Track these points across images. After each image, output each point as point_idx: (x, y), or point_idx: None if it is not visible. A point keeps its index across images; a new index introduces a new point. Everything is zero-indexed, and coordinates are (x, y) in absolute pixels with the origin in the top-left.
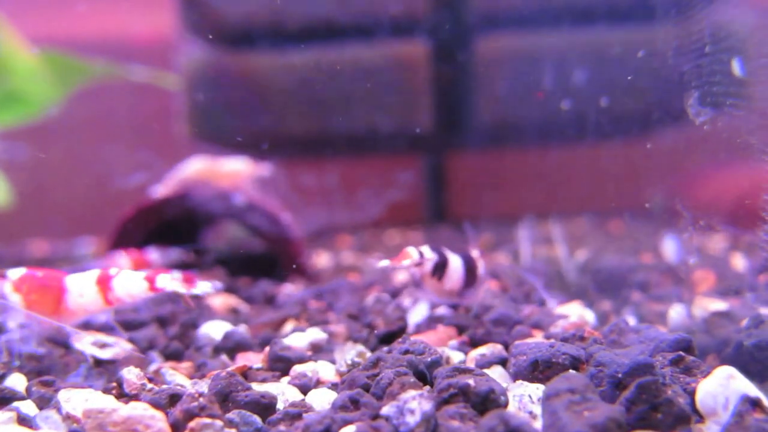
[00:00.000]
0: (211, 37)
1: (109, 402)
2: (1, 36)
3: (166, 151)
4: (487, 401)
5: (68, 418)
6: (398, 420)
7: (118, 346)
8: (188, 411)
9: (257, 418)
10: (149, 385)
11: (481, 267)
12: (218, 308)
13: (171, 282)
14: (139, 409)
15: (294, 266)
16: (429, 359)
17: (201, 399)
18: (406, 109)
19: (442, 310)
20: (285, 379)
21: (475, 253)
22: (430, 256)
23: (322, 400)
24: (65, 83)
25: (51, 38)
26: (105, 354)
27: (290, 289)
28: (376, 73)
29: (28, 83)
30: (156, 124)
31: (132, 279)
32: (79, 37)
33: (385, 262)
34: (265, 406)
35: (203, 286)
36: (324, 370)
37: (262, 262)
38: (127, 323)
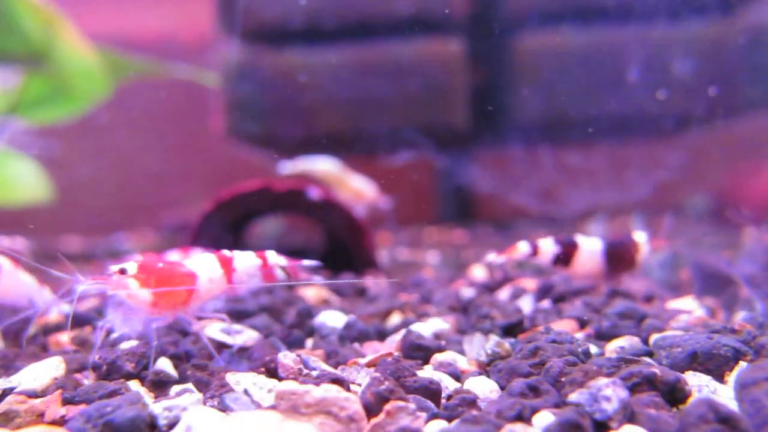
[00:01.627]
0: (248, 35)
1: (296, 384)
2: (57, 31)
3: (201, 149)
4: (675, 390)
5: (253, 401)
6: (592, 407)
7: (246, 333)
8: (379, 394)
9: (431, 403)
10: (305, 370)
11: (641, 253)
12: (312, 299)
13: (279, 258)
14: (332, 390)
15: (369, 260)
16: (580, 349)
17: (387, 382)
18: (443, 106)
19: (545, 304)
20: (427, 368)
21: (639, 238)
22: (549, 248)
23: (482, 387)
24: (112, 79)
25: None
26: (235, 340)
27: (372, 282)
28: (412, 70)
29: (79, 79)
30: (193, 122)
31: (248, 257)
32: (116, 35)
33: (492, 256)
34: (433, 392)
35: (308, 263)
36: (458, 359)
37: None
38: (238, 312)
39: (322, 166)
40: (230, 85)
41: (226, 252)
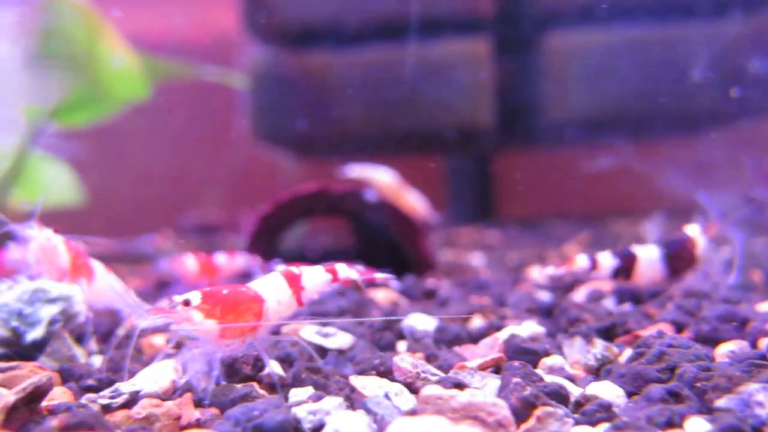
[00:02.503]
0: (274, 37)
1: (440, 389)
2: (100, 35)
3: (227, 152)
4: None
5: (394, 405)
6: (745, 413)
7: (339, 336)
8: (525, 399)
9: (566, 408)
10: (422, 374)
11: (700, 247)
12: (381, 301)
13: (351, 271)
14: (478, 395)
15: (429, 262)
16: (704, 353)
17: (530, 388)
18: (470, 106)
19: (626, 306)
20: (538, 371)
21: (693, 231)
22: (608, 262)
23: (608, 392)
24: (150, 82)
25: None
26: (331, 343)
27: (435, 284)
28: (439, 70)
29: (118, 82)
30: (218, 125)
31: (316, 273)
32: (141, 36)
33: (551, 269)
34: (563, 397)
35: (381, 275)
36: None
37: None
38: (320, 315)
39: (382, 177)
40: (256, 87)
41: (293, 269)
